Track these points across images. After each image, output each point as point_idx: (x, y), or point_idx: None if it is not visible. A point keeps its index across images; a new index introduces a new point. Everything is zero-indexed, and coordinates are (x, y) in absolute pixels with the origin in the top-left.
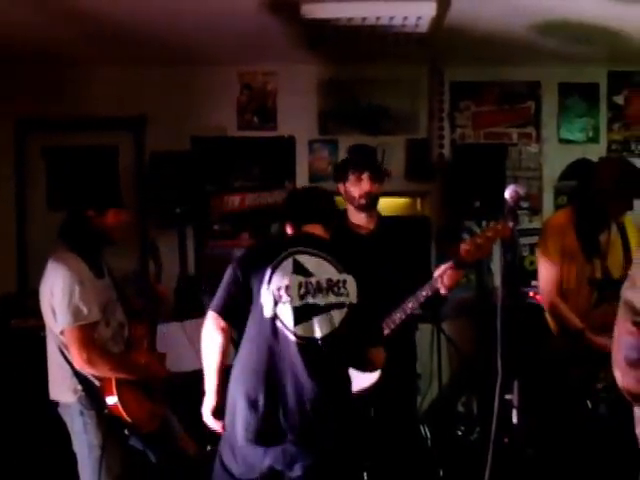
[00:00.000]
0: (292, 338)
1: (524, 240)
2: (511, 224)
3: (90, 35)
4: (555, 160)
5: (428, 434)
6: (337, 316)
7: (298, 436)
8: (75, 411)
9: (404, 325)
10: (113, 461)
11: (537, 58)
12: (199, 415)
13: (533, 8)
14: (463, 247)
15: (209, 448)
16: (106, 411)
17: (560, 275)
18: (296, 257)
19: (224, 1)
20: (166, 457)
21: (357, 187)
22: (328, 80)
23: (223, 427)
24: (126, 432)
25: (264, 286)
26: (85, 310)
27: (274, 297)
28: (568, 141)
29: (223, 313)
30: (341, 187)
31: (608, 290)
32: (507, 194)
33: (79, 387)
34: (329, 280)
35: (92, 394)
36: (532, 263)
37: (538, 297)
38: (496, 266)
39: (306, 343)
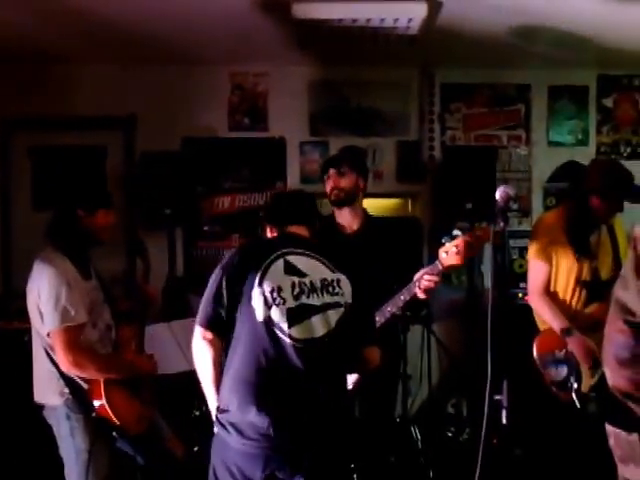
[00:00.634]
0: (287, 341)
1: (513, 243)
2: (502, 224)
3: (79, 33)
4: (544, 162)
5: (418, 435)
6: (333, 316)
7: (296, 441)
8: (61, 414)
9: (389, 327)
10: (100, 465)
11: (527, 61)
12: (186, 416)
13: (524, 12)
14: (441, 252)
15: (196, 449)
16: (94, 414)
17: (548, 275)
18: (287, 258)
19: (215, 1)
20: (154, 458)
21: (327, 185)
22: (319, 81)
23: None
24: (114, 434)
25: (255, 289)
26: (72, 311)
27: (266, 300)
28: (557, 143)
29: (210, 326)
30: None
31: (597, 291)
32: (498, 195)
33: (66, 390)
34: (323, 280)
35: (79, 397)
36: (521, 266)
37: (527, 298)
38: (487, 268)
39: (302, 345)
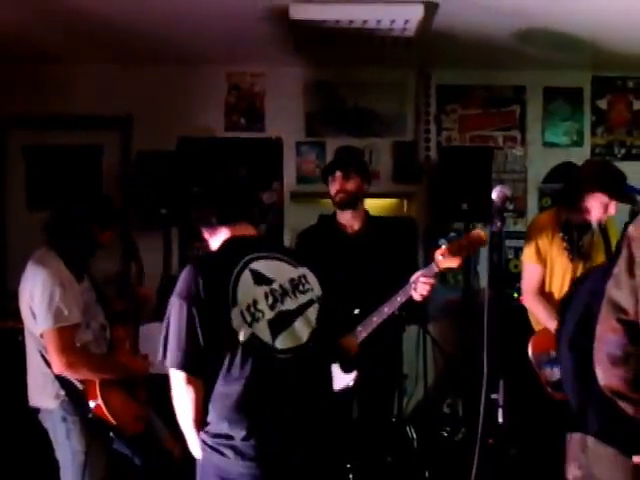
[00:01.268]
0: (274, 355)
1: (509, 243)
2: (498, 224)
3: (75, 33)
4: (540, 163)
5: (414, 435)
6: (312, 314)
7: (292, 457)
8: (57, 417)
9: (388, 327)
10: (96, 467)
11: (522, 63)
12: None
13: (519, 13)
14: (437, 254)
15: None
16: (90, 415)
17: (543, 276)
18: (251, 266)
19: (212, 2)
20: (151, 459)
21: (332, 186)
22: (315, 82)
23: None
24: (111, 435)
25: (232, 310)
26: (66, 312)
27: (245, 318)
28: (552, 144)
29: (189, 369)
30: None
31: None
32: (495, 195)
33: (61, 392)
34: (291, 280)
35: (75, 398)
36: (517, 266)
37: (521, 299)
38: (483, 268)
39: (290, 355)
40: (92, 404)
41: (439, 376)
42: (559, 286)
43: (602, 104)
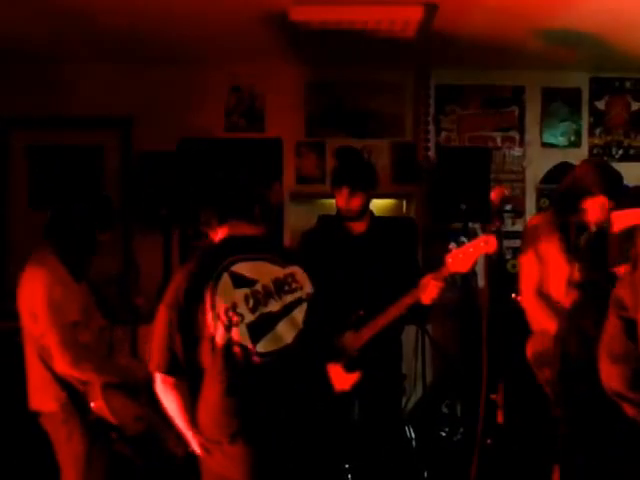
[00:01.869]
0: (255, 359)
1: (507, 243)
2: (497, 224)
3: (77, 33)
4: (538, 163)
5: (413, 435)
6: (299, 315)
7: (283, 457)
8: (58, 420)
9: (389, 328)
10: (98, 470)
11: (521, 63)
12: None
13: (518, 14)
14: (448, 257)
15: None
16: (91, 416)
17: (540, 276)
18: (232, 269)
19: (213, 2)
20: (154, 459)
21: (338, 196)
22: (315, 83)
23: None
24: (113, 436)
25: (209, 314)
26: (66, 309)
27: (223, 322)
28: (551, 145)
29: (168, 371)
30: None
31: (588, 291)
32: (493, 195)
33: (62, 394)
34: (276, 280)
35: (76, 400)
36: (515, 266)
37: (519, 299)
38: (481, 268)
39: (272, 359)
40: (93, 404)
41: (438, 376)
42: (556, 287)
43: (600, 105)
